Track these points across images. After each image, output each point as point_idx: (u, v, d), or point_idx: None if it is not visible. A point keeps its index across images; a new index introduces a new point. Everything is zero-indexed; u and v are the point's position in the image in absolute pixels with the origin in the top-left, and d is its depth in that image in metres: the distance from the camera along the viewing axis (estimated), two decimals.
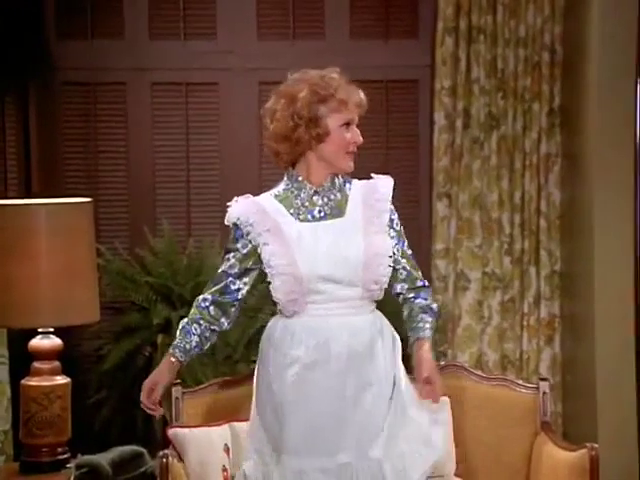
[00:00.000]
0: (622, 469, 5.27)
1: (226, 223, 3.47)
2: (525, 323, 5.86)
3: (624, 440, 5.30)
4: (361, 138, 3.41)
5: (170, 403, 4.26)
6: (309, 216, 3.41)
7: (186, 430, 4.07)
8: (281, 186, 3.48)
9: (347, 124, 3.37)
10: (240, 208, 3.45)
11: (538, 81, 5.76)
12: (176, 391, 4.28)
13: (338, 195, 3.44)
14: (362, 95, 3.41)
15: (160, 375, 3.49)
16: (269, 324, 3.51)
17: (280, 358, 3.38)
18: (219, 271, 3.47)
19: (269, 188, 5.68)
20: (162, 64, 6.00)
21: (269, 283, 3.42)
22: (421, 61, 5.91)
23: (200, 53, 5.99)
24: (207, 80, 6.03)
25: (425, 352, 3.34)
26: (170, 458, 3.91)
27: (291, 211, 3.41)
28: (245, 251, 3.43)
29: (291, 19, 6.00)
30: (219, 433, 4.10)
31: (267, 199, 3.47)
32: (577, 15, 5.52)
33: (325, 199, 3.42)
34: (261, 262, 3.41)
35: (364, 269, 3.34)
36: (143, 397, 3.47)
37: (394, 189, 3.54)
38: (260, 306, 5.45)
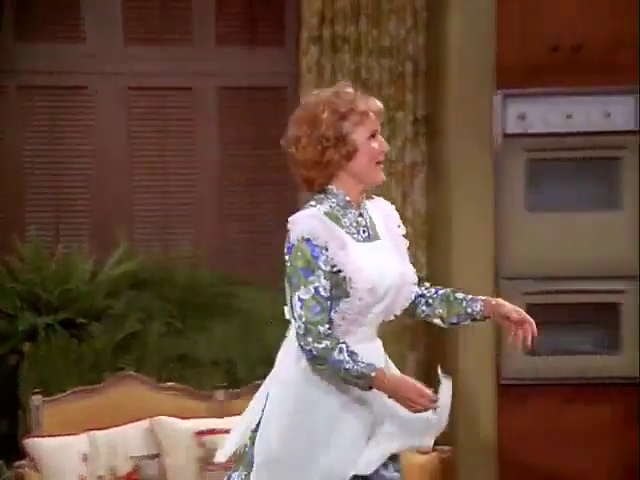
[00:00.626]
0: (479, 472, 5.38)
1: (293, 241, 3.17)
2: (389, 329, 5.91)
3: (482, 443, 5.41)
4: (387, 146, 3.30)
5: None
6: (359, 237, 3.27)
7: (42, 440, 4.06)
8: (325, 205, 3.24)
9: (372, 135, 3.26)
10: (311, 223, 3.19)
11: (402, 91, 5.83)
12: (36, 399, 4.26)
13: (367, 215, 3.34)
14: (379, 103, 3.31)
15: (403, 379, 3.16)
16: None
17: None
18: (311, 295, 3.16)
19: (140, 194, 5.76)
20: (29, 67, 5.92)
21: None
22: (288, 69, 5.95)
23: (68, 57, 5.93)
24: (76, 84, 5.97)
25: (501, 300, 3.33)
26: (26, 469, 3.91)
27: (345, 231, 3.24)
28: (328, 268, 3.18)
29: (158, 24, 5.97)
30: (77, 442, 4.09)
31: (324, 217, 3.23)
32: (438, 27, 5.64)
33: (365, 220, 3.31)
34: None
35: (396, 294, 3.29)
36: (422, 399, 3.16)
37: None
38: (127, 313, 5.46)
